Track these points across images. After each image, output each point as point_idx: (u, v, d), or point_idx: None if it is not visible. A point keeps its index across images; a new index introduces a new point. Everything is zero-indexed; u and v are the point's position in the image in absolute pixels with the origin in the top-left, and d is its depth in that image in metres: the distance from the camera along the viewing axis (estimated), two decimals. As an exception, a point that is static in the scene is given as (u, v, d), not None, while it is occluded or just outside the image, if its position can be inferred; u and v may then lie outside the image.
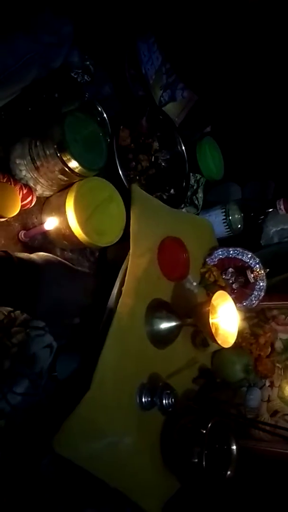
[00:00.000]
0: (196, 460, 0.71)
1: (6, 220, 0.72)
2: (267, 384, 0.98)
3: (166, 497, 0.77)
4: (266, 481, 0.92)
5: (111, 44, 0.98)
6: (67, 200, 0.75)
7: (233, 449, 0.75)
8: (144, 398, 0.72)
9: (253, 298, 1.01)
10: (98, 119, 0.88)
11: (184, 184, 1.04)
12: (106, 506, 0.70)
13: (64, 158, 0.70)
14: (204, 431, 0.71)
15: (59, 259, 0.76)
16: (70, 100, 0.84)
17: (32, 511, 0.66)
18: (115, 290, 0.76)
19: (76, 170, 0.72)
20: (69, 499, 0.69)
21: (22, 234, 0.75)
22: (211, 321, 0.76)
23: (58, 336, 0.74)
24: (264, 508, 0.93)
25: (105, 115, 0.89)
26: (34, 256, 0.71)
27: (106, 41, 0.97)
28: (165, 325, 0.79)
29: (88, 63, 0.92)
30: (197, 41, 1.13)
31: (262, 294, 1.00)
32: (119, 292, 0.75)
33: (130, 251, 0.78)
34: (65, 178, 0.75)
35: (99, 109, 0.87)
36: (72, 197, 0.74)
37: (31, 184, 0.74)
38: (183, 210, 1.07)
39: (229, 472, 0.74)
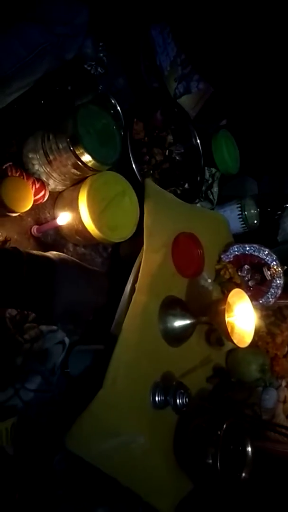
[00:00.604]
0: (211, 461, 0.69)
1: (19, 215, 0.71)
2: (284, 384, 0.95)
3: (179, 497, 0.76)
4: (282, 484, 0.90)
5: (125, 35, 0.96)
6: (80, 195, 0.74)
7: (248, 450, 0.73)
8: (158, 397, 0.71)
9: (269, 296, 0.98)
10: (112, 112, 0.86)
11: (199, 178, 1.02)
12: (118, 505, 0.69)
13: (77, 152, 0.69)
14: (219, 432, 0.69)
15: (73, 258, 0.75)
16: (83, 93, 0.83)
17: (44, 507, 0.65)
18: (128, 287, 0.74)
19: (89, 164, 0.70)
20: (80, 497, 0.69)
21: (34, 229, 0.74)
22: (227, 319, 0.73)
23: (71, 333, 0.74)
24: (279, 508, 0.92)
25: (118, 108, 0.87)
26: (49, 254, 0.70)
27: (120, 32, 0.95)
28: (179, 322, 0.77)
29: (101, 54, 0.90)
30: (213, 31, 1.11)
31: (279, 292, 0.97)
32: (133, 288, 0.73)
33: (144, 246, 0.77)
34: (78, 173, 0.73)
35: (113, 101, 0.86)
36: (85, 192, 0.73)
37: (44, 179, 0.73)
38: (198, 205, 1.04)
39: (244, 474, 0.73)
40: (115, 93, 0.89)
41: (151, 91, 0.99)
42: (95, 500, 0.69)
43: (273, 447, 0.87)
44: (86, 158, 0.69)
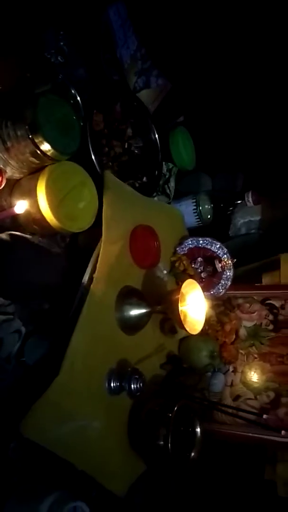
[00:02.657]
0: (162, 443, 0.73)
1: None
2: (231, 369, 1.01)
3: (132, 479, 0.79)
4: (228, 462, 0.96)
5: (85, 25, 0.96)
6: (38, 184, 0.73)
7: (197, 431, 0.78)
8: (113, 383, 0.73)
9: (220, 287, 1.04)
10: (72, 102, 0.87)
11: (156, 172, 1.05)
12: (72, 488, 0.70)
13: (36, 140, 0.68)
14: (170, 415, 0.73)
15: (30, 239, 0.75)
16: (43, 81, 0.82)
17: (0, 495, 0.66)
18: (86, 277, 0.75)
19: (48, 153, 0.70)
20: (36, 482, 0.70)
21: (-9, 216, 0.72)
22: (180, 308, 0.77)
23: (27, 321, 0.74)
24: (226, 486, 0.98)
25: (78, 98, 0.87)
26: (3, 235, 0.69)
27: (81, 22, 0.94)
28: (135, 312, 0.80)
29: (62, 43, 0.89)
30: (172, 28, 1.13)
31: (229, 283, 1.03)
32: (90, 278, 0.74)
33: (102, 237, 0.78)
34: (37, 161, 0.73)
35: (73, 91, 0.86)
36: (43, 181, 0.73)
37: (1, 166, 0.72)
38: (155, 199, 1.07)
39: (193, 454, 0.77)
40: (75, 83, 0.89)
41: (111, 83, 1.00)
42: (50, 484, 0.70)
43: (219, 428, 0.92)
44: (45, 147, 0.69)
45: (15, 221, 0.78)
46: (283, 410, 0.92)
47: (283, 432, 0.77)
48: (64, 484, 0.71)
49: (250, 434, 0.89)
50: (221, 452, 0.96)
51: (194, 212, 1.16)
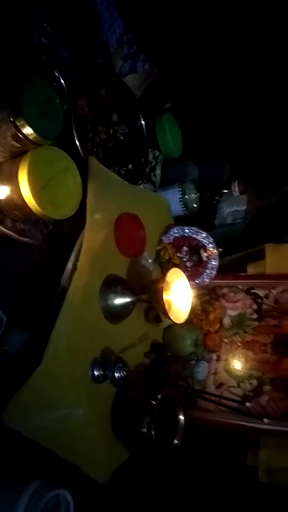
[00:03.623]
0: (145, 430, 0.73)
1: None
2: (214, 358, 1.02)
3: (115, 466, 0.79)
4: (211, 449, 0.98)
5: (70, 6, 0.93)
6: (20, 169, 0.71)
7: (180, 419, 0.78)
8: (97, 372, 0.73)
9: (205, 276, 1.04)
10: (55, 84, 0.84)
11: (142, 160, 1.03)
12: (55, 476, 0.70)
13: (18, 124, 0.66)
14: (154, 402, 0.73)
15: (3, 229, 0.73)
16: (26, 63, 0.79)
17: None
18: (69, 265, 0.74)
19: (31, 137, 0.68)
20: (18, 471, 0.70)
21: None
22: (164, 297, 0.77)
23: (8, 310, 0.72)
24: (209, 472, 1.00)
25: (62, 81, 0.85)
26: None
27: (66, 3, 0.91)
28: (119, 300, 0.79)
29: (45, 24, 0.86)
30: (159, 12, 1.11)
31: (214, 272, 1.03)
32: (74, 266, 0.73)
33: (86, 225, 0.77)
34: (18, 145, 0.70)
35: (56, 74, 0.83)
36: (25, 166, 0.71)
37: (-18, 149, 0.70)
38: (141, 186, 1.06)
39: (176, 441, 0.78)
40: (59, 66, 0.86)
41: (96, 67, 0.97)
42: (32, 473, 0.70)
43: (203, 416, 0.93)
44: (27, 130, 0.67)
45: (-4, 207, 0.75)
46: (265, 398, 0.93)
47: (265, 419, 0.78)
48: (47, 473, 0.71)
49: (233, 421, 0.90)
50: (204, 439, 0.97)
51: (180, 201, 1.16)
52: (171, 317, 0.79)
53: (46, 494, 0.65)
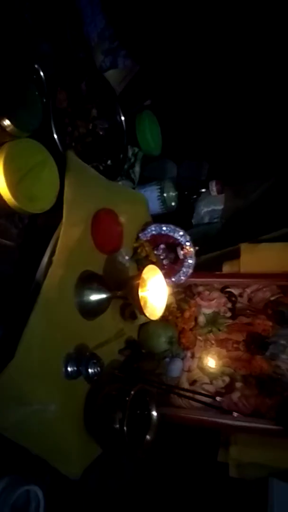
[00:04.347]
0: (118, 426, 0.73)
1: None
2: (189, 355, 1.03)
3: (87, 462, 0.79)
4: (183, 445, 0.99)
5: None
6: (-5, 161, 0.70)
7: (153, 415, 0.79)
8: (70, 367, 0.72)
9: (181, 274, 1.04)
10: (34, 77, 0.83)
11: (121, 156, 1.03)
12: (26, 472, 0.69)
13: (-5, 115, 0.65)
14: (127, 398, 0.73)
15: None
16: (3, 54, 0.77)
17: None
18: (45, 259, 0.73)
19: (8, 129, 0.67)
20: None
21: None
22: (140, 294, 0.77)
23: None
24: (180, 468, 1.01)
25: (42, 73, 0.83)
26: None
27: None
28: (95, 296, 0.79)
29: (26, 15, 0.85)
30: (141, 8, 1.10)
31: (190, 271, 1.04)
32: (49, 261, 0.72)
33: (63, 220, 0.76)
34: (-5, 136, 0.69)
35: (36, 66, 0.82)
36: (1, 158, 0.69)
37: None
38: (119, 183, 1.06)
39: (148, 437, 0.78)
40: (38, 58, 0.85)
41: (77, 61, 0.96)
42: (1, 469, 0.69)
43: (176, 412, 0.94)
44: (5, 122, 0.66)
45: None
46: (237, 394, 0.95)
47: (234, 413, 0.79)
48: (16, 469, 0.70)
49: (206, 418, 0.92)
50: (177, 435, 0.98)
51: (158, 199, 1.16)
52: (146, 314, 0.79)
53: (16, 490, 0.64)
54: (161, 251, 1.04)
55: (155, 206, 1.16)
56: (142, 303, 0.77)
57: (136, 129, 1.14)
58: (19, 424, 0.66)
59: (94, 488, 0.87)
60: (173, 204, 1.18)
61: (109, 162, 1.00)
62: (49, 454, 0.71)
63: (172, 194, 1.18)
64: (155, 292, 0.83)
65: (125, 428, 0.72)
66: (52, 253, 0.74)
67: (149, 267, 0.81)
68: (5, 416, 0.64)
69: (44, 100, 0.81)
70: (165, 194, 1.16)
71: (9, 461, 0.70)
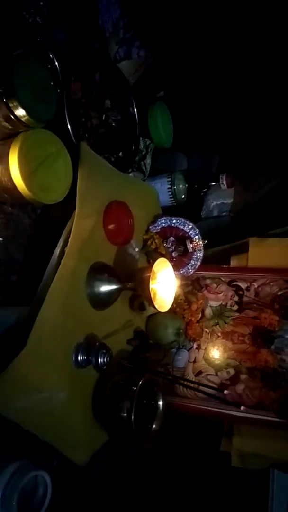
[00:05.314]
0: (125, 415, 0.75)
1: None
2: (195, 346, 1.05)
3: (94, 449, 0.81)
4: (188, 433, 1.01)
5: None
6: (11, 151, 0.70)
7: (159, 404, 0.80)
8: (80, 357, 0.74)
9: (189, 267, 1.05)
10: (49, 66, 0.83)
11: (133, 147, 1.03)
12: (33, 458, 0.71)
13: (11, 105, 0.65)
14: (135, 388, 0.75)
15: None
16: (20, 42, 0.77)
17: None
18: (57, 250, 0.74)
19: (23, 119, 0.67)
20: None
21: None
22: (150, 286, 0.78)
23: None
24: (184, 456, 1.03)
25: (56, 63, 0.83)
26: None
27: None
28: (105, 287, 0.80)
29: (42, 3, 0.84)
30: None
31: (199, 263, 1.05)
32: (62, 252, 0.73)
33: (76, 211, 0.77)
34: (10, 126, 0.69)
35: (51, 56, 0.81)
36: (16, 148, 0.70)
37: (-27, 129, 0.68)
38: (130, 174, 1.06)
39: (154, 426, 0.80)
40: (53, 48, 0.85)
41: (92, 51, 0.96)
42: (10, 454, 0.71)
43: (181, 402, 0.96)
44: (20, 112, 0.66)
45: (-15, 189, 0.74)
46: (242, 386, 0.96)
47: (242, 407, 0.81)
48: (25, 454, 0.72)
49: (210, 408, 0.93)
50: (181, 425, 1.00)
51: (169, 191, 1.16)
52: (156, 306, 0.80)
53: (25, 475, 0.66)
54: (170, 243, 1.04)
55: (165, 198, 1.17)
56: (152, 295, 0.78)
57: (149, 120, 1.13)
58: (29, 411, 0.68)
59: (100, 474, 0.89)
60: (183, 196, 1.19)
61: (120, 153, 1.00)
62: (57, 441, 0.73)
63: (182, 186, 1.18)
64: (164, 284, 0.84)
65: (132, 417, 0.74)
66: (65, 244, 0.75)
67: (160, 260, 0.82)
68: (15, 403, 0.66)
69: (59, 91, 0.82)
70: (175, 187, 1.16)
71: (18, 446, 0.72)
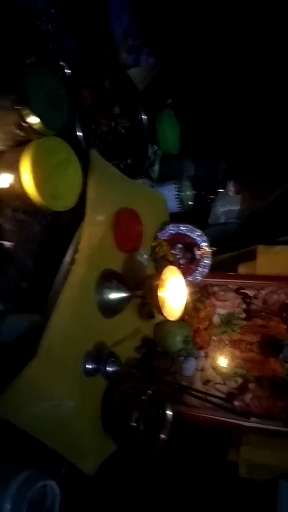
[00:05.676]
0: (134, 424, 0.74)
1: None
2: (202, 355, 1.04)
3: (102, 458, 0.81)
4: (195, 443, 1.00)
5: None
6: (22, 158, 0.70)
7: (168, 414, 0.80)
8: (89, 365, 0.73)
9: (197, 274, 1.05)
10: (60, 74, 0.83)
11: (142, 154, 1.03)
12: (43, 466, 0.71)
13: (23, 112, 0.65)
14: (144, 397, 0.74)
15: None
16: (32, 50, 0.78)
17: None
18: (67, 257, 0.74)
19: (35, 127, 0.67)
20: (5, 460, 0.70)
21: None
22: (159, 294, 0.78)
23: (4, 299, 0.72)
24: (191, 466, 1.02)
25: (67, 70, 0.84)
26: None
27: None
28: (114, 295, 0.80)
29: (53, 11, 0.85)
30: (165, 6, 1.10)
31: (206, 271, 1.04)
32: (72, 259, 0.73)
33: (86, 218, 0.77)
34: (22, 134, 0.70)
35: (62, 63, 0.82)
36: (29, 155, 0.70)
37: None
38: (139, 181, 1.06)
39: (163, 436, 0.79)
40: (64, 55, 0.85)
41: (102, 58, 0.96)
42: (18, 463, 0.70)
43: (189, 411, 0.95)
44: (32, 120, 0.66)
45: (-5, 196, 0.74)
46: (250, 396, 0.96)
47: (252, 418, 0.80)
48: (34, 462, 0.71)
49: (218, 418, 0.92)
50: (188, 434, 0.99)
51: (176, 198, 1.16)
52: (165, 314, 0.79)
53: (34, 485, 0.65)
54: (178, 250, 1.04)
55: (172, 204, 1.16)
56: (161, 304, 0.78)
57: (157, 127, 1.13)
58: (38, 418, 0.67)
59: (106, 481, 0.89)
60: (190, 203, 1.18)
61: (129, 160, 1.01)
62: (66, 449, 0.73)
63: (189, 193, 1.17)
64: (173, 292, 0.84)
65: (141, 426, 0.73)
66: (75, 251, 0.74)
67: (169, 268, 0.82)
68: (25, 411, 0.66)
69: (69, 98, 0.82)
70: (182, 193, 1.16)
71: (26, 454, 0.71)
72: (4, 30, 0.72)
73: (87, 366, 0.73)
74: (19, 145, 0.73)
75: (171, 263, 0.96)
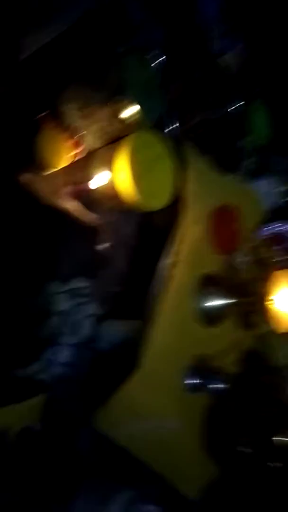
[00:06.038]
0: (243, 450, 0.66)
1: (50, 173, 0.64)
2: None
3: (204, 482, 0.73)
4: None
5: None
6: (118, 155, 0.66)
7: (284, 440, 0.70)
8: (192, 380, 0.66)
9: (303, 279, 0.93)
10: (152, 65, 0.78)
11: (236, 147, 0.94)
12: (148, 488, 0.65)
13: (120, 105, 0.61)
14: (254, 421, 0.65)
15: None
16: (124, 41, 0.74)
17: (69, 487, 0.62)
18: (165, 260, 0.68)
19: (133, 119, 0.63)
20: (105, 477, 0.66)
21: (66, 189, 0.67)
22: (269, 302, 0.68)
23: (102, 303, 0.68)
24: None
25: (160, 61, 0.78)
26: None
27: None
28: (217, 302, 0.72)
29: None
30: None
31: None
32: (172, 262, 0.67)
33: (183, 218, 0.70)
34: (116, 129, 0.66)
35: (156, 53, 0.77)
36: (124, 152, 0.65)
37: (80, 134, 0.65)
38: (234, 176, 0.97)
39: (277, 463, 0.69)
40: (154, 46, 0.80)
41: (191, 47, 0.90)
42: (120, 481, 0.65)
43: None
44: (130, 111, 0.62)
45: (90, 195, 0.71)
46: None
47: None
48: (133, 482, 0.66)
49: None
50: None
51: (271, 194, 1.06)
52: (275, 325, 0.70)
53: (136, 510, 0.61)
54: (279, 250, 0.93)
55: (267, 201, 1.06)
56: (271, 314, 0.68)
57: (250, 118, 1.04)
58: (139, 437, 0.63)
59: (201, 505, 0.81)
60: (284, 199, 1.07)
61: (223, 154, 0.92)
62: (168, 471, 0.66)
63: (283, 188, 1.07)
64: (285, 300, 0.73)
65: (250, 452, 0.64)
66: (174, 253, 0.68)
67: (279, 272, 0.72)
68: (126, 427, 0.61)
69: (163, 89, 0.76)
70: (277, 189, 1.05)
71: (125, 473, 0.67)
72: (94, 21, 0.69)
73: (190, 381, 0.66)
74: (114, 142, 0.69)
75: (274, 265, 0.85)
